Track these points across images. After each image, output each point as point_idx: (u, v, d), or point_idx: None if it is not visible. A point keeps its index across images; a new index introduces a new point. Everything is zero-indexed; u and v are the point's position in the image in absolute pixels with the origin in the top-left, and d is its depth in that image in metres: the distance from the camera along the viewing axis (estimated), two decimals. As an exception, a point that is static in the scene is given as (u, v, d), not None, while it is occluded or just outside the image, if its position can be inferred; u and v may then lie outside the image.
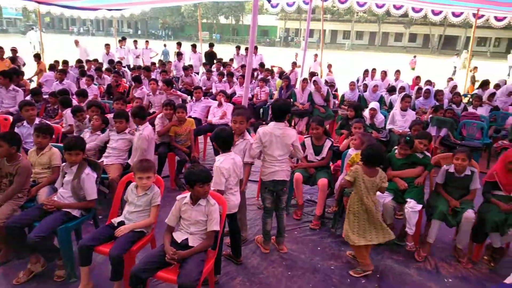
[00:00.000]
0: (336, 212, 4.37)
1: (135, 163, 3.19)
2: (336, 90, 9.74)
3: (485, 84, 9.27)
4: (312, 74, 9.40)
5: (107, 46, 12.76)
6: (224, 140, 3.22)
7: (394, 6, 10.94)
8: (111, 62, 11.34)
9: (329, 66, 12.82)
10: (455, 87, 8.80)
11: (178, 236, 2.87)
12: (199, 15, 18.82)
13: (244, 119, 3.62)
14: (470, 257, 3.81)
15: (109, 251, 2.82)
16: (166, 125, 5.27)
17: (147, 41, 14.75)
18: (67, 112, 5.37)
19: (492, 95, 7.96)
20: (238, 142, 3.60)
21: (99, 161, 4.24)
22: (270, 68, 11.47)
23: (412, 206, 3.75)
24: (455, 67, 22.29)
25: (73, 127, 5.21)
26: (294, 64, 11.77)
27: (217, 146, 3.29)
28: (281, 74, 10.92)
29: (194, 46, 13.00)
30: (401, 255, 3.85)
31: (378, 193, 3.44)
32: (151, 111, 7.05)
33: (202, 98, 7.11)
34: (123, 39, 13.66)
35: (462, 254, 3.79)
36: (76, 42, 13.54)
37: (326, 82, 8.99)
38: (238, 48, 13.24)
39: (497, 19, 10.99)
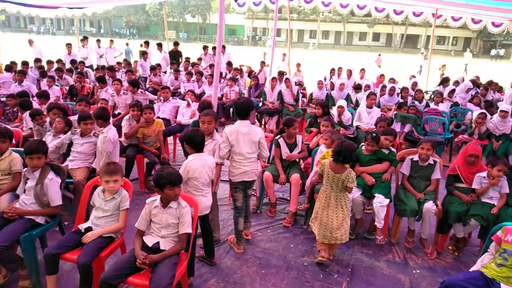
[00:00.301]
0: (308, 209, 4.41)
1: (102, 166, 3.09)
2: (304, 89, 9.87)
3: (445, 81, 9.71)
4: (281, 73, 9.48)
5: (69, 45, 12.25)
6: (196, 142, 3.16)
7: (358, 6, 11.21)
8: (73, 62, 10.92)
9: (298, 65, 12.95)
10: (415, 83, 9.13)
11: (149, 240, 2.81)
12: (165, 13, 18.45)
13: (212, 118, 3.58)
14: (436, 248, 3.97)
15: (77, 258, 2.73)
16: (133, 126, 5.15)
17: (111, 40, 14.31)
18: (27, 115, 5.12)
19: (452, 91, 8.34)
20: (207, 142, 3.54)
21: (64, 165, 4.07)
22: (239, 68, 11.45)
23: (380, 201, 3.87)
24: (421, 66, 23.27)
25: (33, 131, 4.98)
26: (262, 63, 11.81)
27: (190, 148, 3.20)
28: (250, 73, 10.93)
29: (159, 45, 12.75)
30: (371, 249, 3.96)
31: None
32: (116, 112, 6.85)
33: (170, 98, 6.99)
34: (85, 38, 13.18)
35: (426, 244, 3.96)
36: (30, 42, 12.83)
37: (294, 83, 9.09)
38: (205, 48, 13.12)
39: (454, 19, 11.54)
